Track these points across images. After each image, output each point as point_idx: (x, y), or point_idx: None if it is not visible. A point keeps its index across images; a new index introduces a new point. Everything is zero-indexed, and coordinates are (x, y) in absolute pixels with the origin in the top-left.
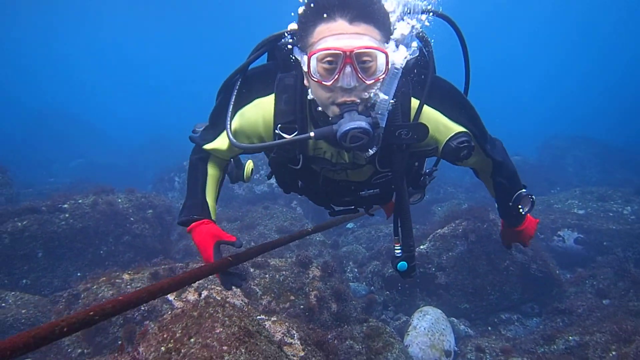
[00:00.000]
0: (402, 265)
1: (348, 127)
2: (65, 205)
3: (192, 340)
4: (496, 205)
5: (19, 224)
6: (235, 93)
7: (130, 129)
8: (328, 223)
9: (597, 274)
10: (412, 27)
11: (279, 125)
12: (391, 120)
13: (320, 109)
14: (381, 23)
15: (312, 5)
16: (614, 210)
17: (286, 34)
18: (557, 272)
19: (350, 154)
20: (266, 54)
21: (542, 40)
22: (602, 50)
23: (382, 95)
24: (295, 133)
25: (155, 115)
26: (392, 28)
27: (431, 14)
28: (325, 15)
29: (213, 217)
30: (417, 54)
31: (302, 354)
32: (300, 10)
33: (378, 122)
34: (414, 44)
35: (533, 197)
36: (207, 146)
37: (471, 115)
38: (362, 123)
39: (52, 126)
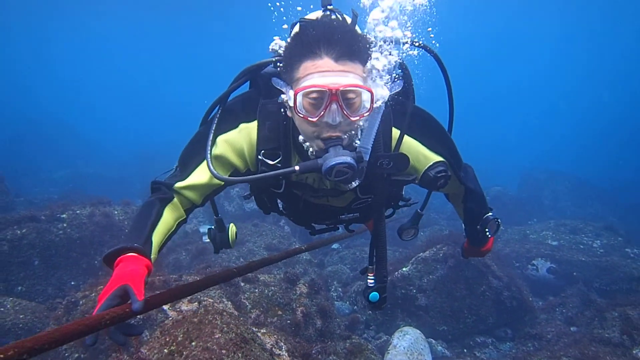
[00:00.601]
0: (374, 296)
1: (334, 162)
2: (64, 215)
3: (193, 343)
4: (463, 225)
5: (19, 231)
6: (215, 122)
7: (121, 140)
8: (318, 242)
9: (566, 302)
10: (393, 59)
11: (262, 151)
12: (373, 150)
13: (301, 138)
14: (365, 60)
15: (298, 40)
16: (584, 243)
17: (272, 61)
18: (530, 299)
19: (330, 182)
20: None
21: (527, 77)
22: (583, 88)
23: (366, 130)
24: (279, 159)
25: (145, 128)
26: (370, 60)
27: (416, 45)
28: (311, 52)
29: (152, 257)
30: (400, 88)
31: None
32: (285, 43)
33: (362, 157)
34: (395, 75)
35: (499, 220)
36: (180, 184)
37: (448, 145)
38: (347, 158)
39: (41, 134)
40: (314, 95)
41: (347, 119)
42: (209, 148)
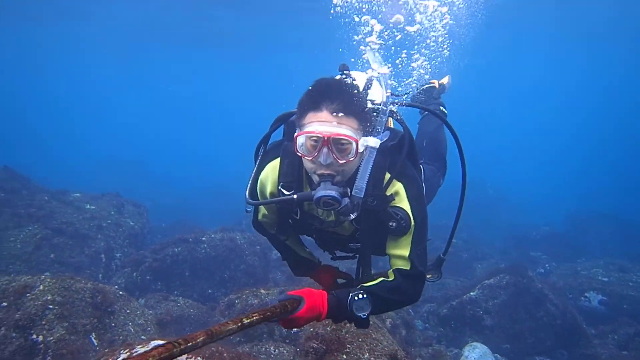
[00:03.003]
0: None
1: (320, 194)
2: (204, 238)
3: None
4: (357, 278)
5: (176, 249)
6: (257, 165)
7: (184, 172)
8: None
9: (617, 330)
10: (387, 115)
11: (281, 183)
12: (367, 188)
13: None
14: (360, 115)
15: (307, 95)
16: (633, 280)
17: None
18: (584, 326)
19: (335, 213)
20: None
21: (570, 121)
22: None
23: (361, 172)
24: (293, 191)
25: (208, 160)
26: (370, 118)
27: (404, 105)
28: (314, 105)
29: (318, 261)
30: (393, 140)
31: None
32: (301, 98)
33: (347, 192)
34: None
35: (365, 315)
36: (259, 218)
37: (422, 212)
38: (332, 192)
39: (119, 170)
40: (312, 139)
41: (337, 161)
42: (248, 193)
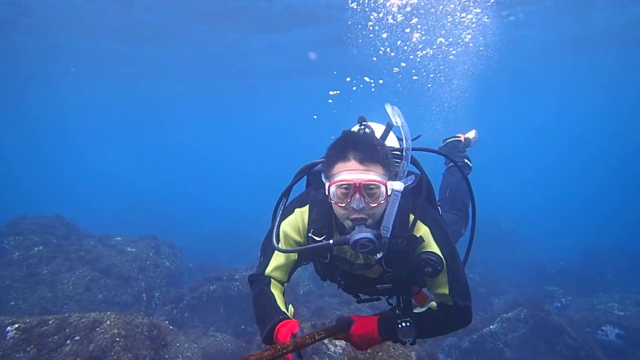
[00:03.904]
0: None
1: (357, 237)
2: (237, 276)
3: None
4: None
5: (211, 287)
6: (279, 216)
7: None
8: None
9: None
10: (409, 161)
11: (312, 230)
12: (394, 229)
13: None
14: (384, 162)
15: (334, 147)
16: None
17: (321, 162)
18: (602, 359)
19: (363, 256)
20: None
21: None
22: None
23: (388, 213)
24: (324, 237)
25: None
26: (388, 162)
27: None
28: (342, 156)
29: (288, 315)
30: (413, 182)
31: None
32: (327, 151)
33: (381, 234)
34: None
35: (412, 340)
36: (268, 269)
37: (450, 248)
38: (368, 235)
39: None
40: (343, 187)
41: (368, 205)
42: (274, 240)
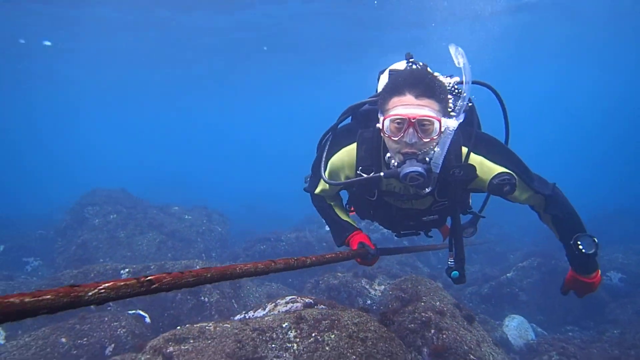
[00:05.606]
0: (455, 273)
1: (408, 170)
2: (282, 237)
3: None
4: (565, 252)
5: (262, 247)
6: (327, 148)
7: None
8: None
9: (635, 301)
10: (463, 97)
11: (360, 167)
12: (446, 163)
13: (389, 155)
14: (439, 97)
15: (390, 82)
16: None
17: (368, 101)
18: (607, 299)
19: (413, 189)
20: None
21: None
22: None
23: (437, 150)
24: (372, 173)
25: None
26: (444, 97)
27: (478, 84)
28: (398, 91)
29: (356, 226)
30: (464, 118)
31: None
32: (382, 85)
33: (431, 169)
34: (461, 107)
35: (595, 239)
36: (316, 191)
37: (512, 159)
38: (418, 168)
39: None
40: (398, 121)
41: (421, 140)
42: (323, 169)
